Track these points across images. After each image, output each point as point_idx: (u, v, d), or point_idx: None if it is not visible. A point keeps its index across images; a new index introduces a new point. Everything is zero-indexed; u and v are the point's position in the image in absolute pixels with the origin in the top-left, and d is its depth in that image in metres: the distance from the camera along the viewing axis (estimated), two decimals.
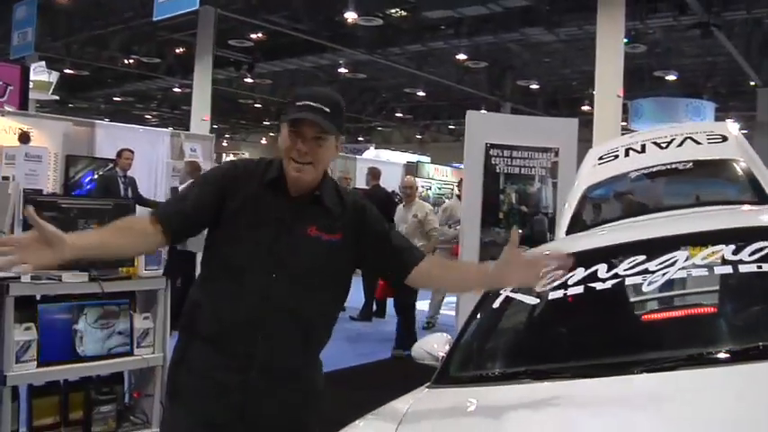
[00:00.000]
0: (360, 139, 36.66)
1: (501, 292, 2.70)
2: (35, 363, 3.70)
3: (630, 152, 3.99)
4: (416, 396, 2.23)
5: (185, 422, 2.31)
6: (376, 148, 29.29)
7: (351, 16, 16.54)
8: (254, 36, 19.83)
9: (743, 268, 2.33)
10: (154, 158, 9.38)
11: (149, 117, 35.71)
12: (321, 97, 2.21)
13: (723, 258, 2.41)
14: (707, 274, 2.45)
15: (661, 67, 20.00)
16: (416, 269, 2.32)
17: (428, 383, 2.40)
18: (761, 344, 2.00)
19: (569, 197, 4.06)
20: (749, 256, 2.34)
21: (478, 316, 2.72)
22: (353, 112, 31.17)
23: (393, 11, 17.35)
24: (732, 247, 2.40)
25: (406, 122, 33.99)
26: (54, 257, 1.96)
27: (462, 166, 26.57)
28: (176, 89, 27.69)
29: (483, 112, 20.71)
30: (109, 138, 9.61)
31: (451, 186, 22.00)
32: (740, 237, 2.49)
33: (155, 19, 13.53)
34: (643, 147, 3.96)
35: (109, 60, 22.89)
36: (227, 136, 39.36)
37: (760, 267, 2.31)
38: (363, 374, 7.13)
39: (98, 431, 3.98)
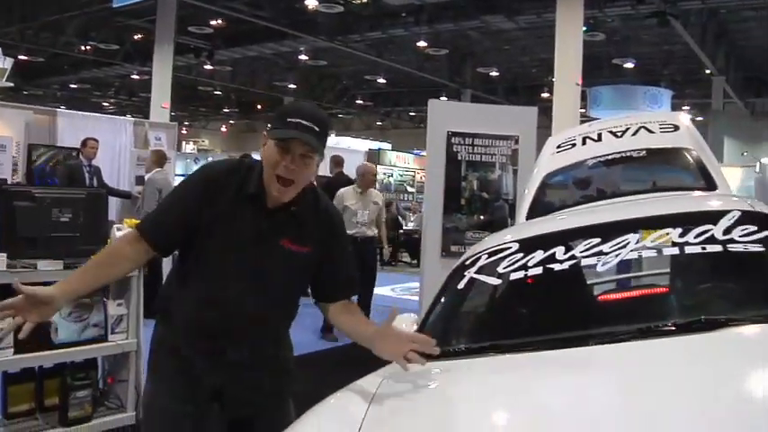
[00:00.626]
0: None
1: (465, 273, 2.86)
2: (12, 350, 3.76)
3: (587, 140, 4.17)
4: (388, 371, 2.37)
5: (166, 401, 2.42)
6: (336, 136, 29.30)
7: (311, 3, 16.50)
8: (213, 23, 19.66)
9: (689, 249, 2.52)
10: (117, 147, 9.35)
11: (107, 104, 35.17)
12: (311, 116, 2.25)
13: (671, 241, 2.59)
14: (656, 255, 2.65)
15: (619, 54, 20.33)
16: (335, 305, 2.51)
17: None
18: (703, 317, 2.19)
19: (529, 184, 4.22)
20: (694, 238, 2.53)
21: (444, 296, 2.87)
22: (313, 99, 31.16)
23: None
24: (679, 230, 2.60)
25: (366, 109, 34.03)
26: (52, 311, 2.22)
27: (424, 153, 26.70)
28: (135, 76, 27.32)
29: (445, 100, 20.90)
30: (71, 126, 9.54)
31: (413, 173, 22.20)
32: (687, 221, 2.68)
33: (114, 6, 13.43)
34: (599, 135, 4.14)
35: (65, 46, 22.49)
36: (186, 123, 38.97)
37: (704, 249, 2.50)
38: (333, 356, 7.29)
39: (74, 416, 4.05)
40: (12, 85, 21.02)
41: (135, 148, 9.83)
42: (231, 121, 41.68)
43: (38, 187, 5.33)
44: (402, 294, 10.44)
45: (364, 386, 2.21)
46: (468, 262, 2.95)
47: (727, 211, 2.66)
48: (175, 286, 2.44)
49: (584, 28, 13.09)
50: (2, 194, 3.96)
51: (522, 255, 2.75)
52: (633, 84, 21.17)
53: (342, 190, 8.29)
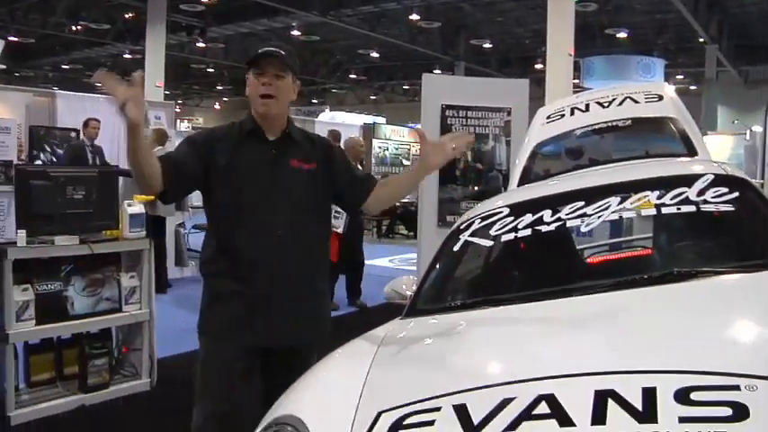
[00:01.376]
0: (314, 101, 36.58)
1: (460, 237, 3.07)
2: (34, 321, 3.97)
3: (575, 111, 4.34)
4: (391, 325, 2.59)
5: (221, 353, 2.69)
6: (331, 110, 29.34)
7: None
8: (205, 0, 19.65)
9: (665, 210, 2.74)
10: (115, 127, 9.41)
11: (100, 84, 35.01)
12: (276, 44, 2.70)
13: (649, 202, 2.80)
14: (635, 215, 2.88)
15: (612, 24, 20.34)
16: (371, 195, 2.81)
17: (399, 317, 2.77)
18: (675, 270, 2.42)
19: (520, 153, 4.41)
20: (671, 199, 2.74)
21: (441, 258, 3.08)
22: (307, 74, 31.05)
23: None
24: (657, 192, 2.81)
25: (360, 84, 34.00)
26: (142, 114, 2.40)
27: (419, 126, 26.57)
28: (127, 55, 27.28)
29: (438, 73, 20.95)
30: (70, 108, 9.64)
31: (408, 146, 22.26)
32: (664, 184, 2.88)
33: None
34: (587, 106, 4.31)
35: (55, 27, 22.38)
36: (179, 102, 38.93)
37: (679, 209, 2.71)
38: (359, 320, 7.50)
39: (93, 383, 4.29)
40: (4, 66, 21.01)
41: None
42: (225, 99, 41.57)
43: (52, 166, 5.52)
44: (400, 265, 10.68)
45: (370, 338, 2.44)
46: (462, 226, 3.15)
47: (702, 175, 2.86)
48: (216, 237, 2.72)
49: None
50: (18, 174, 4.15)
51: (512, 218, 2.96)
52: (626, 54, 21.18)
53: None
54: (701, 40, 20.86)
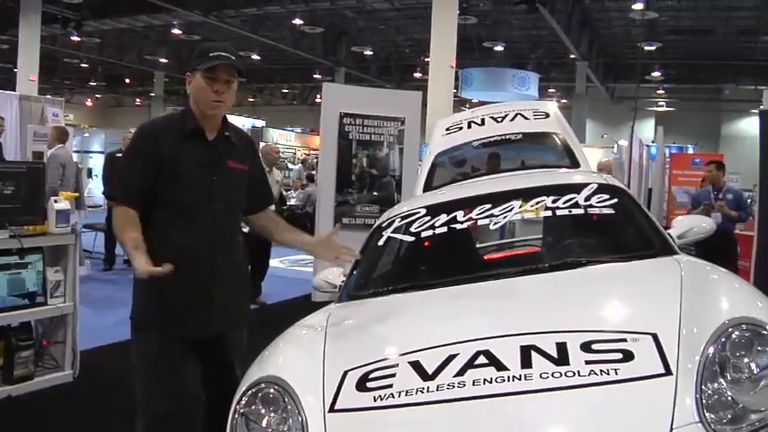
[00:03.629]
0: None
1: (383, 233, 3.52)
2: None
3: (472, 124, 4.90)
4: (330, 309, 3.01)
5: (158, 343, 2.78)
6: None
7: None
8: None
9: (559, 212, 3.33)
10: (9, 122, 9.27)
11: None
12: (225, 50, 2.81)
13: (545, 206, 3.37)
14: (534, 216, 3.47)
15: (489, 38, 21.40)
16: (260, 215, 3.10)
17: (333, 302, 3.18)
18: (570, 260, 3.04)
19: (423, 162, 4.92)
20: (563, 204, 3.34)
21: (366, 252, 3.52)
22: (185, 74, 30.67)
23: None
24: (552, 197, 3.38)
25: (239, 86, 33.79)
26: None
27: (299, 130, 26.89)
28: None
29: (319, 78, 21.23)
30: None
31: (293, 151, 22.53)
32: (558, 191, 3.46)
33: None
34: (482, 120, 4.87)
35: None
36: (48, 96, 37.41)
37: (570, 211, 3.31)
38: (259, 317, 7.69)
39: (19, 374, 4.40)
40: None
41: (32, 124, 9.78)
42: (98, 95, 40.25)
43: None
44: (291, 266, 10.98)
45: (316, 318, 2.85)
46: (384, 224, 3.63)
47: (588, 184, 3.47)
48: (158, 228, 2.77)
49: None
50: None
51: (429, 218, 3.46)
52: (503, 66, 22.27)
53: None
54: (573, 56, 22.33)
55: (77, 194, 8.08)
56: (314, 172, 16.95)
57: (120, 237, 2.73)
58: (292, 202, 17.57)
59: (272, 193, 3.29)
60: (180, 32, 23.63)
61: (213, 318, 2.83)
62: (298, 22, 21.09)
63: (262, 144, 9.31)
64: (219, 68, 2.76)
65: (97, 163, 16.83)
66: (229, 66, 2.78)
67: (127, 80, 35.26)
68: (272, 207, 3.29)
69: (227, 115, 3.00)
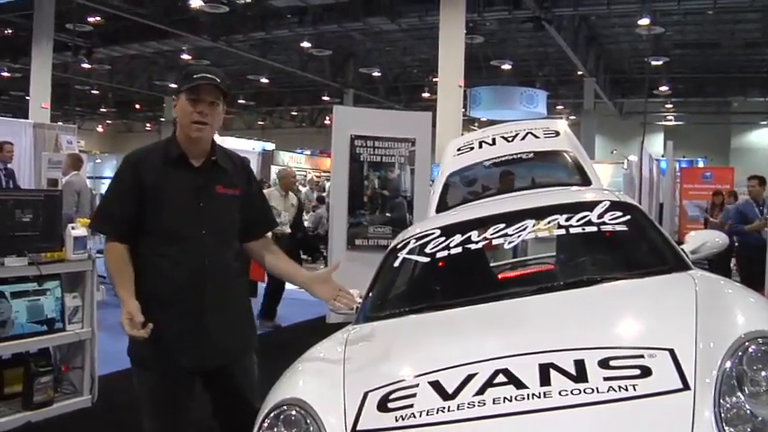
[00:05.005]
0: None
1: (398, 255, 3.55)
2: None
3: (483, 144, 4.93)
4: (347, 331, 3.03)
5: (154, 379, 2.71)
6: (221, 135, 29.30)
7: (196, 3, 16.48)
8: (92, 20, 19.31)
9: (572, 230, 3.36)
10: (17, 149, 9.38)
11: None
12: (211, 71, 2.74)
13: (558, 224, 3.40)
14: (548, 234, 3.49)
15: (497, 56, 21.52)
16: (258, 243, 2.96)
17: (350, 324, 3.20)
18: (585, 277, 3.08)
19: (435, 183, 4.96)
20: (576, 222, 3.36)
21: (382, 273, 3.55)
22: None
23: None
24: (565, 215, 3.41)
25: (248, 109, 34.09)
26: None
27: (308, 152, 27.04)
28: (5, 73, 26.37)
29: (327, 100, 21.41)
30: None
31: (304, 173, 22.64)
32: (570, 209, 3.48)
33: None
34: (493, 140, 4.91)
35: None
36: (61, 123, 37.74)
37: (584, 229, 3.34)
38: (272, 341, 7.68)
39: (38, 400, 4.44)
40: None
41: (46, 152, 9.91)
42: (108, 121, 40.60)
43: (0, 191, 5.58)
44: (300, 288, 10.96)
45: (334, 340, 2.88)
46: (399, 246, 3.65)
47: (600, 201, 3.50)
48: (145, 258, 2.70)
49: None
50: None
51: (444, 238, 3.48)
52: (510, 85, 22.36)
53: (267, 191, 8.50)
54: (580, 73, 22.43)
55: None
56: (324, 194, 17.00)
57: (113, 284, 2.68)
58: (305, 224, 17.63)
59: (272, 218, 3.17)
60: (189, 57, 23.82)
61: (208, 349, 2.72)
62: (306, 45, 21.30)
63: (277, 168, 9.27)
64: (203, 90, 2.69)
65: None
66: (214, 87, 2.70)
67: (137, 106, 35.59)
68: (269, 234, 3.17)
69: (231, 137, 2.92)
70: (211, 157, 2.79)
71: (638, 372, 2.06)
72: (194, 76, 2.71)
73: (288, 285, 9.22)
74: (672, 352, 2.13)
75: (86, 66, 23.81)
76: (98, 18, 19.13)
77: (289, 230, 8.55)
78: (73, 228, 4.66)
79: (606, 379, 2.05)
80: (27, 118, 14.92)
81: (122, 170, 2.79)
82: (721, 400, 1.94)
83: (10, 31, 21.39)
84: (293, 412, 2.27)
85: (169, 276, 2.69)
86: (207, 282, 2.70)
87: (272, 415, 2.31)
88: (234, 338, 2.81)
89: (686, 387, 1.99)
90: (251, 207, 2.90)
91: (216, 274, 2.73)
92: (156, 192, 2.69)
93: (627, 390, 1.99)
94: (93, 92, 30.79)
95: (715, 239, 3.62)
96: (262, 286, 8.63)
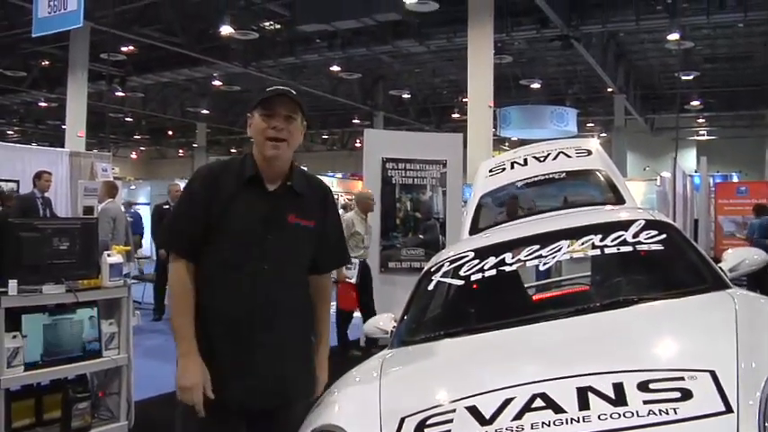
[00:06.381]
0: (233, 150, 36.76)
1: (432, 278, 3.54)
2: (22, 367, 4.17)
3: (515, 165, 4.92)
4: (383, 355, 3.02)
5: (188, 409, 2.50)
6: None
7: (227, 30, 16.71)
8: (125, 49, 19.71)
9: (607, 250, 3.32)
10: (54, 178, 9.57)
11: (11, 132, 34.33)
12: (285, 86, 2.59)
13: (593, 244, 3.37)
14: (583, 255, 3.47)
15: (525, 75, 21.51)
16: (317, 277, 2.71)
17: (385, 349, 3.20)
18: (621, 298, 3.03)
19: (468, 205, 4.95)
20: (611, 242, 3.33)
21: (416, 297, 3.54)
22: (226, 124, 31.35)
23: (268, 24, 17.81)
24: (599, 236, 3.38)
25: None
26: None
27: (339, 176, 27.12)
28: (42, 103, 26.97)
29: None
30: (8, 158, 9.78)
31: (336, 196, 22.68)
32: (605, 229, 3.46)
33: (34, 35, 13.44)
34: (525, 160, 4.89)
35: None
36: (95, 151, 38.34)
37: (619, 249, 3.30)
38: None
39: (76, 426, 4.47)
40: None
41: (82, 180, 10.12)
42: (142, 148, 41.22)
43: (39, 219, 5.68)
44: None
45: (370, 365, 2.86)
46: (432, 269, 3.64)
47: (635, 220, 3.46)
48: (203, 289, 2.52)
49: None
50: (8, 226, 4.37)
51: (478, 261, 3.46)
52: (540, 103, 22.31)
53: (347, 216, 8.13)
54: (610, 90, 22.32)
55: (129, 248, 8.28)
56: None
57: (172, 318, 2.53)
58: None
59: (345, 255, 2.89)
60: (220, 84, 24.25)
61: (255, 389, 2.49)
62: (335, 68, 21.54)
63: (359, 190, 8.73)
64: (277, 103, 2.48)
65: (144, 214, 17.18)
66: (289, 100, 2.50)
67: (170, 132, 36.15)
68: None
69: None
70: (287, 182, 2.56)
71: (678, 395, 2.02)
72: (267, 90, 2.54)
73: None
74: (713, 374, 2.08)
75: (120, 94, 24.37)
76: (131, 47, 19.59)
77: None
78: (109, 255, 4.72)
79: (646, 402, 2.01)
80: (63, 146, 15.22)
81: (196, 184, 2.59)
82: (766, 423, 1.90)
83: (47, 63, 21.92)
84: None
85: (223, 309, 2.50)
86: (262, 316, 2.49)
87: None
88: (285, 384, 2.56)
89: (729, 410, 1.94)
90: (324, 241, 2.66)
91: (273, 313, 2.51)
92: (222, 215, 2.49)
93: (668, 413, 1.95)
94: (126, 119, 31.38)
95: (753, 256, 3.55)
96: None
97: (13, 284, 4.14)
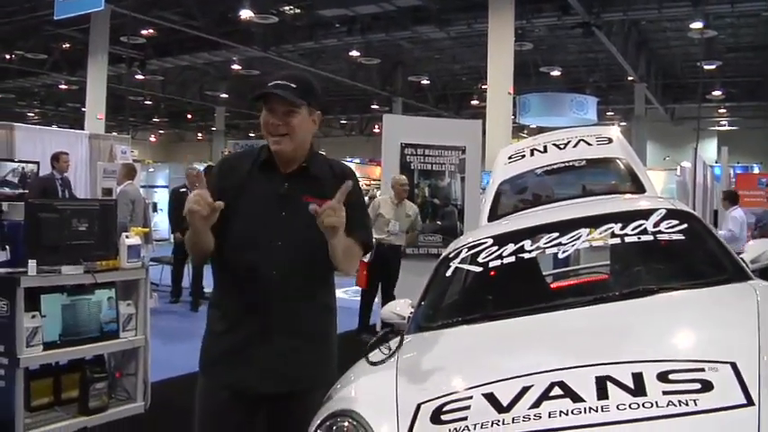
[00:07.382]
0: (251, 134, 36.83)
1: (450, 264, 3.52)
2: (41, 346, 4.21)
3: (535, 152, 4.87)
4: (400, 340, 3.00)
5: (205, 389, 2.60)
6: None
7: (246, 14, 16.66)
8: (145, 32, 19.75)
9: (627, 239, 3.29)
10: (73, 159, 9.64)
11: (32, 114, 34.59)
12: (288, 76, 2.48)
13: (613, 233, 3.34)
14: (603, 244, 3.43)
15: (546, 63, 21.34)
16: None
17: (403, 334, 3.18)
18: (641, 287, 3.00)
19: (486, 192, 4.92)
20: (632, 230, 3.29)
21: (434, 283, 3.52)
22: (245, 108, 31.38)
23: (288, 8, 17.74)
24: (620, 224, 3.34)
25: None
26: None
27: (357, 161, 27.03)
28: (62, 86, 27.13)
29: (376, 108, 21.52)
30: (28, 140, 9.85)
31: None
32: (625, 217, 3.42)
33: (56, 18, 13.54)
34: (545, 147, 4.84)
35: None
36: (114, 134, 38.55)
37: (639, 238, 3.27)
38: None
39: (93, 406, 4.51)
40: None
41: (101, 162, 10.18)
42: (161, 131, 41.40)
43: (59, 200, 5.71)
44: (353, 296, 11.00)
45: (385, 351, 2.84)
46: (450, 255, 3.62)
47: (656, 209, 3.42)
48: (218, 270, 2.58)
49: None
50: (28, 207, 4.40)
51: (496, 247, 3.44)
52: (560, 91, 22.15)
53: (379, 198, 8.10)
54: (631, 78, 22.12)
55: (147, 230, 8.32)
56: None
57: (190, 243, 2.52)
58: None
59: (368, 236, 2.68)
60: (239, 68, 24.22)
61: (270, 373, 2.48)
62: (354, 54, 21.47)
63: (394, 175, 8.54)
64: (273, 99, 2.43)
65: (161, 197, 17.27)
66: (283, 99, 2.43)
67: (189, 116, 36.25)
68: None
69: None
70: (303, 165, 2.55)
71: (698, 386, 1.99)
72: (269, 84, 2.47)
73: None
74: (734, 365, 2.05)
75: (140, 77, 24.36)
76: (151, 31, 19.64)
77: (398, 242, 7.87)
78: (127, 236, 4.74)
79: (665, 393, 1.98)
80: (83, 129, 15.31)
81: (213, 171, 2.70)
82: None
83: (68, 46, 22.03)
84: (346, 423, 2.25)
85: (236, 286, 2.53)
86: (275, 297, 2.46)
87: (324, 426, 2.29)
88: (302, 370, 2.53)
89: (750, 402, 1.91)
90: (347, 217, 2.47)
91: (285, 293, 2.47)
92: (237, 196, 2.48)
93: (687, 404, 1.92)
94: (146, 102, 31.47)
95: None
96: None
97: (32, 264, 4.17)
